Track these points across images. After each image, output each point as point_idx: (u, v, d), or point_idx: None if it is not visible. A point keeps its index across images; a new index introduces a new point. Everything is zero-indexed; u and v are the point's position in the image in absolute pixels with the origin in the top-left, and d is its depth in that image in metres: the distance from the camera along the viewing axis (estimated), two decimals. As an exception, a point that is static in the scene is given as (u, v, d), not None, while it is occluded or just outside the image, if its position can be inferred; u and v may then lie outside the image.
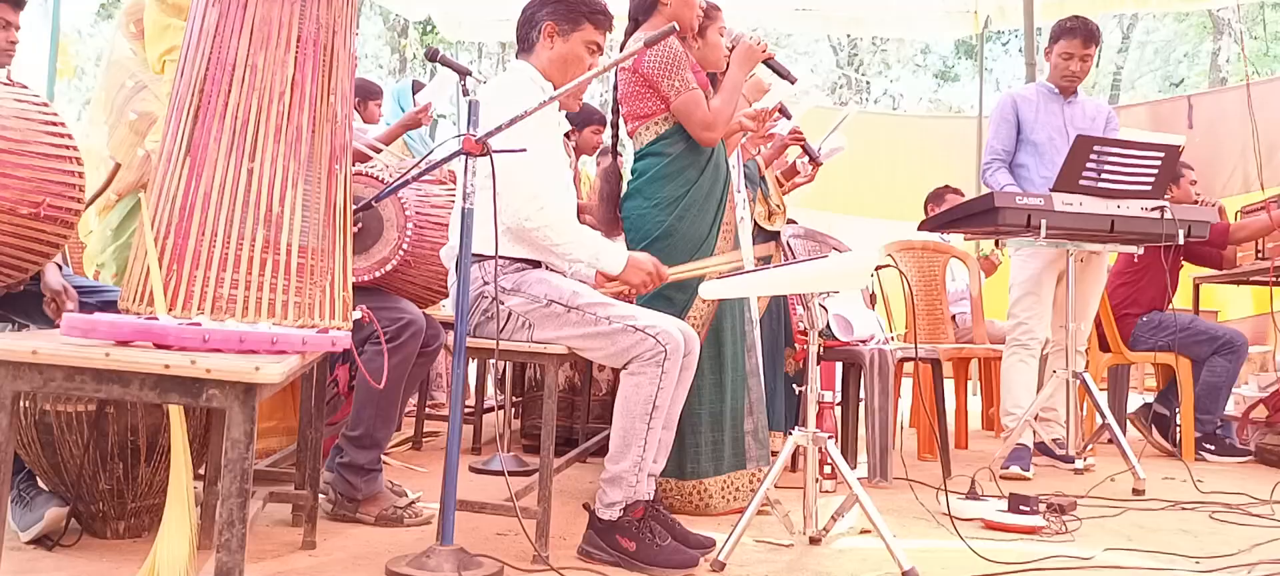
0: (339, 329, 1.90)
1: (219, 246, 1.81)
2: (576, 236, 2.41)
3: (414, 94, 4.71)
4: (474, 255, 2.27)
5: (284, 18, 1.89)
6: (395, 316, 2.56)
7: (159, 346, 1.26)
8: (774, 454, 2.97)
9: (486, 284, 2.37)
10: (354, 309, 2.05)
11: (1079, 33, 3.99)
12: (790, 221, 4.39)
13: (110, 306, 2.24)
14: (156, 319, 1.49)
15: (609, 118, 3.10)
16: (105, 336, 1.25)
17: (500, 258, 2.29)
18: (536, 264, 2.45)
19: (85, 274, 3.39)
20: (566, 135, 4.88)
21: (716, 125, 2.88)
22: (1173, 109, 8.72)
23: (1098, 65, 20.62)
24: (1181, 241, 3.44)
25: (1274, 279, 4.46)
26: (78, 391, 1.23)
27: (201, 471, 2.32)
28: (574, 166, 5.02)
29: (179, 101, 1.90)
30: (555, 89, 2.53)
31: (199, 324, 1.33)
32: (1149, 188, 3.44)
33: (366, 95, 4.90)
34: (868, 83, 22.95)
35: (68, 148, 2.11)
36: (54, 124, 2.08)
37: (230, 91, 1.86)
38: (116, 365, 1.22)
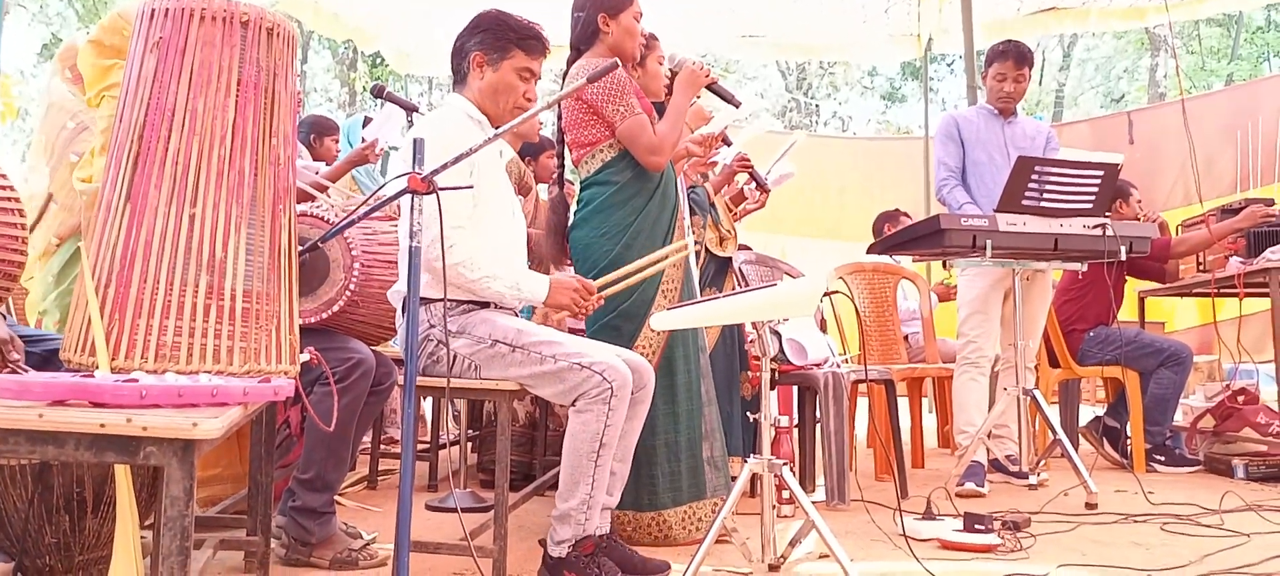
0: (285, 373, 1.88)
1: (161, 294, 1.78)
2: (490, 271, 2.37)
3: (364, 129, 4.69)
4: (421, 298, 2.25)
5: (223, 62, 1.87)
6: (345, 357, 2.53)
7: (95, 404, 1.24)
8: (733, 479, 2.97)
9: (433, 326, 2.36)
10: (302, 351, 2.03)
11: (1011, 55, 4.08)
12: (743, 247, 4.42)
13: (53, 355, 2.20)
14: (93, 373, 1.47)
15: (556, 147, 3.10)
16: (39, 397, 1.23)
17: (446, 300, 2.28)
18: (483, 304, 2.44)
19: (27, 321, 3.32)
20: (527, 161, 4.88)
21: (663, 149, 2.88)
22: (1114, 125, 8.93)
23: (1040, 83, 21.06)
24: (1123, 257, 3.51)
25: (1215, 291, 4.56)
26: (11, 453, 1.21)
27: (150, 521, 2.28)
28: (534, 194, 5.02)
29: (118, 148, 1.88)
30: (489, 120, 2.52)
31: (136, 379, 1.31)
32: (1090, 205, 3.50)
33: (321, 132, 4.85)
34: (817, 106, 23.22)
35: (10, 200, 2.07)
36: (-5, 175, 2.05)
37: (170, 137, 1.84)
38: (50, 426, 1.19)
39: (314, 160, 4.68)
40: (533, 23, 2.55)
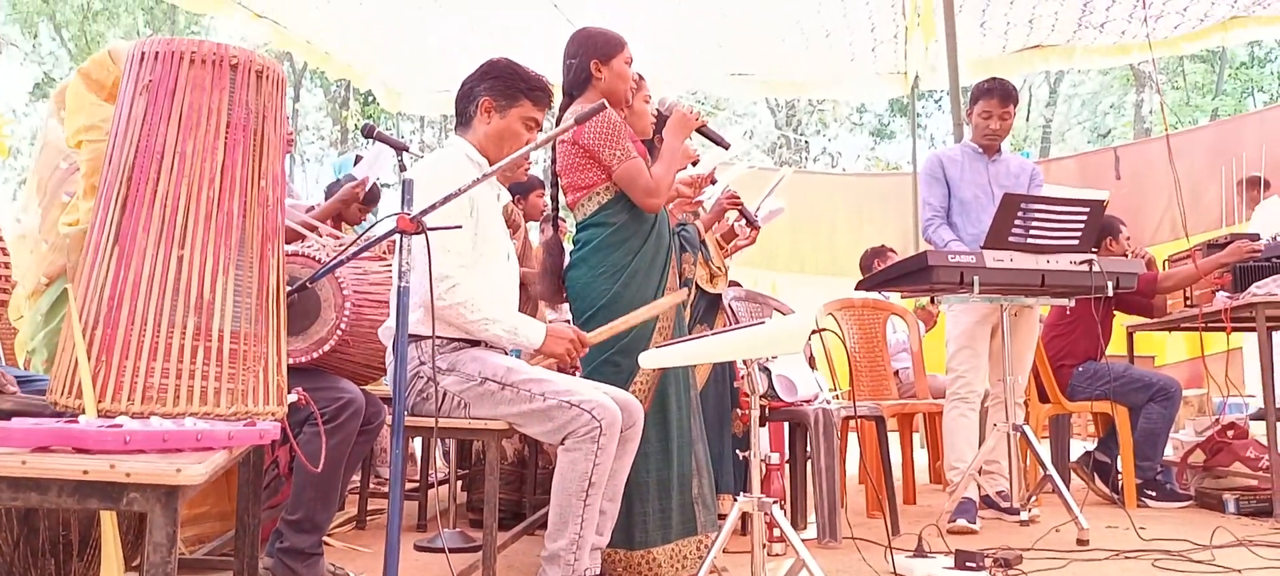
0: (272, 415, 1.88)
1: (149, 335, 1.78)
2: (490, 313, 2.40)
3: (354, 167, 4.68)
4: (411, 336, 2.25)
5: (213, 104, 1.88)
6: (334, 396, 2.53)
7: (78, 450, 1.24)
8: (722, 517, 2.96)
9: (423, 364, 2.36)
10: (290, 391, 2.02)
11: (996, 93, 4.12)
12: (733, 283, 4.43)
13: (40, 397, 2.19)
14: (77, 418, 1.46)
15: (548, 189, 3.11)
16: (21, 443, 1.22)
17: (436, 338, 2.29)
18: (474, 343, 2.44)
19: (16, 361, 3.30)
20: (515, 200, 4.90)
21: (659, 191, 2.91)
22: (1100, 161, 9.00)
23: (1027, 119, 21.23)
24: (1110, 293, 3.53)
25: (1203, 325, 4.58)
26: (-6, 499, 1.21)
27: (137, 563, 2.26)
28: (523, 232, 5.03)
29: (107, 189, 1.88)
30: (489, 164, 2.54)
31: (121, 424, 1.31)
32: (1076, 241, 3.52)
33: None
34: (806, 142, 23.35)
35: (-8, 235, 2.07)
36: (-23, 214, 2.05)
37: (159, 179, 1.84)
38: (33, 472, 1.18)
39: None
40: (542, 75, 2.62)
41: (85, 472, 1.19)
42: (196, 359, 1.81)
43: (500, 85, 2.57)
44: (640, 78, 3.26)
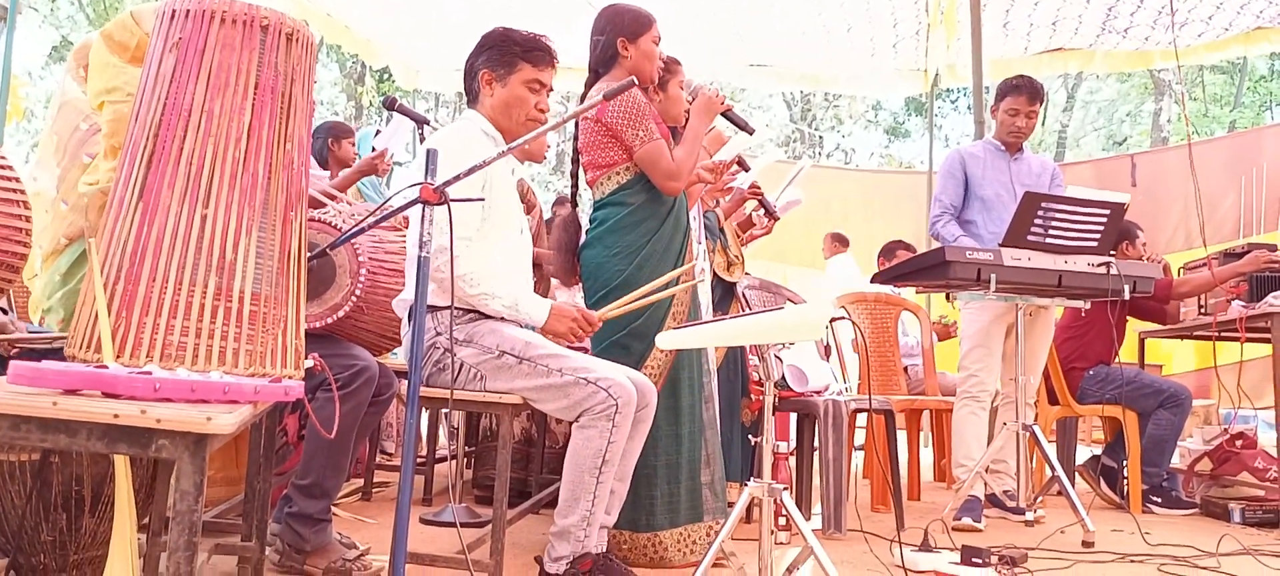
0: (291, 377, 1.88)
1: (170, 293, 1.78)
2: (489, 288, 2.39)
3: (374, 139, 4.68)
4: (429, 306, 2.25)
5: (242, 64, 1.88)
6: (347, 363, 2.53)
7: (108, 395, 1.24)
8: (730, 504, 2.96)
9: (439, 335, 2.35)
10: (306, 357, 2.02)
11: (1024, 90, 4.10)
12: (745, 273, 4.42)
13: (54, 354, 2.19)
14: (105, 367, 1.46)
15: (568, 167, 3.10)
16: (53, 384, 1.22)
17: (454, 308, 2.28)
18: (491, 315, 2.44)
19: (30, 319, 3.31)
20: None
21: (680, 175, 2.90)
22: (1116, 167, 8.95)
23: (1043, 123, 21.15)
24: (1127, 296, 3.51)
25: (1216, 333, 4.56)
26: (23, 441, 1.20)
27: (145, 522, 2.26)
28: (538, 211, 5.02)
29: (133, 146, 1.88)
30: (503, 135, 2.54)
31: (149, 372, 1.31)
32: (1095, 243, 3.51)
33: (338, 135, 4.74)
34: (821, 137, 23.29)
35: (15, 191, 2.08)
36: (1, 168, 2.05)
37: (185, 137, 1.84)
38: (63, 414, 1.19)
39: (333, 164, 4.64)
40: (538, 35, 2.58)
41: (115, 416, 1.19)
42: (216, 318, 1.81)
43: (496, 55, 2.56)
44: (676, 62, 3.24)
